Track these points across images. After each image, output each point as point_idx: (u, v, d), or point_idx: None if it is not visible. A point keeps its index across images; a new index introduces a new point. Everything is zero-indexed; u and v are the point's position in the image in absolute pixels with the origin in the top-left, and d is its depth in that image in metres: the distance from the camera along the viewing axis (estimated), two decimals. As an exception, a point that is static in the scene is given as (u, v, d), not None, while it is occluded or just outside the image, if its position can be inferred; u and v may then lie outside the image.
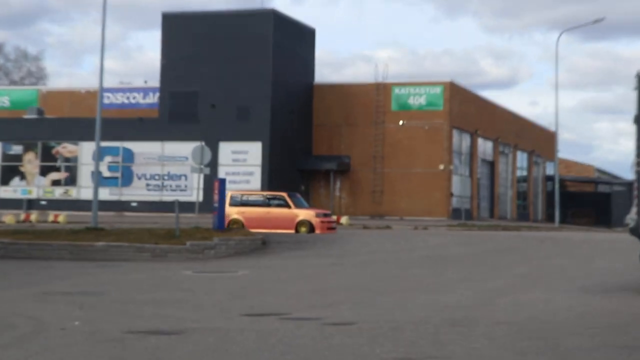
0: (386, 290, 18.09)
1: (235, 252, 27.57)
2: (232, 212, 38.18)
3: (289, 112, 57.05)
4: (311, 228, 37.90)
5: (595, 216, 77.62)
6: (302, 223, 38.07)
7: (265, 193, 43.98)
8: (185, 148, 51.26)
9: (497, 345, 10.80)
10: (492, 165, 68.62)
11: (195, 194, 44.15)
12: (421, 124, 58.61)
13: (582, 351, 10.39)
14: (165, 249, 26.44)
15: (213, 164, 43.77)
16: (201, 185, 37.84)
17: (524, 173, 77.21)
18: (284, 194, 40.59)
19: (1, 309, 14.23)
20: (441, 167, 58.11)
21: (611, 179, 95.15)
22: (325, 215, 40.25)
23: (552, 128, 67.55)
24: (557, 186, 61.26)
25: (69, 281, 20.01)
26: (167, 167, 55.65)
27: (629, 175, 69.48)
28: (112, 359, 9.89)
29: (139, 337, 11.39)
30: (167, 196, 53.24)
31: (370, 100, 59.67)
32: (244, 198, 40.28)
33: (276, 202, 39.69)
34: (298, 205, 39.67)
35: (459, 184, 60.73)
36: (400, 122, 59.00)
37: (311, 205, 53.98)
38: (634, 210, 18.26)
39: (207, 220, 33.92)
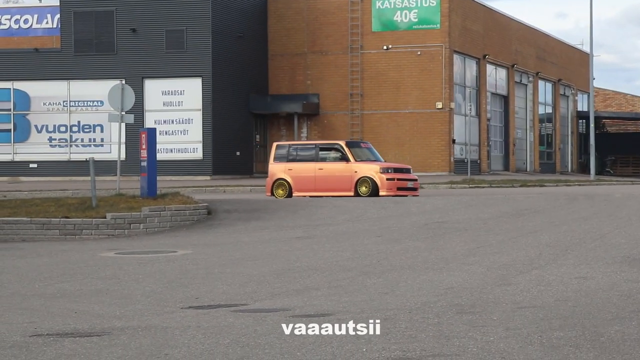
0: (372, 269, 18.17)
1: (172, 226, 27.64)
2: (278, 171, 38.15)
3: (236, 38, 56.94)
4: (374, 188, 36.81)
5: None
6: (362, 182, 37.00)
7: (317, 142, 43.55)
8: (100, 89, 51.20)
9: (520, 337, 10.88)
10: (506, 100, 68.93)
11: (115, 151, 44.01)
12: (412, 49, 58.71)
13: (631, 342, 10.49)
14: (79, 223, 26.41)
15: (138, 110, 43.63)
16: (123, 139, 37.77)
17: (549, 110, 77.58)
18: (341, 142, 39.83)
19: None
20: (439, 105, 58.31)
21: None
22: (397, 170, 39.02)
23: (586, 48, 67.92)
24: (592, 125, 61.66)
25: None
26: (75, 116, 55.45)
27: None
28: None
29: (49, 342, 11.35)
30: (78, 154, 53.07)
31: (344, 18, 59.65)
32: (293, 150, 39.56)
33: (331, 154, 38.75)
34: (360, 158, 38.51)
35: (462, 128, 60.96)
36: (385, 47, 59.06)
37: (260, 164, 54.24)
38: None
39: (133, 184, 33.86)
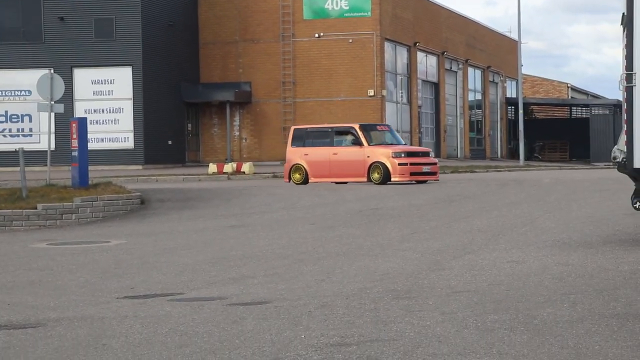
0: (308, 257, 18.27)
1: (105, 216, 27.58)
2: (295, 156, 37.41)
3: (166, 26, 56.82)
4: (386, 174, 35.27)
5: (570, 149, 78.93)
6: (374, 167, 35.51)
7: (333, 126, 41.66)
8: (28, 78, 50.89)
9: (455, 321, 10.99)
10: (436, 87, 69.35)
11: (45, 141, 43.77)
12: (344, 36, 58.85)
13: (563, 324, 10.63)
14: (8, 214, 26.31)
15: (67, 99, 43.37)
16: (52, 129, 37.56)
17: (478, 97, 78.10)
18: (355, 125, 38.40)
19: None
20: (370, 92, 58.52)
21: (590, 100, 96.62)
22: (412, 154, 37.22)
23: (514, 35, 68.40)
24: (520, 112, 62.24)
25: None
26: (3, 106, 55.15)
27: (613, 94, 70.11)
28: None
29: (-12, 331, 11.41)
30: (6, 144, 52.73)
31: (275, 5, 59.66)
32: (310, 134, 38.63)
33: (346, 138, 37.40)
34: (375, 142, 36.99)
35: (394, 115, 61.22)
36: (316, 35, 59.17)
37: (192, 154, 54.15)
38: (622, 139, 18.50)
39: (62, 174, 33.74)
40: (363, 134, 36.36)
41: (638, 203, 18.28)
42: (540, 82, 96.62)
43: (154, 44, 55.42)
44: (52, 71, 34.75)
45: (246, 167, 48.33)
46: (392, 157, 35.10)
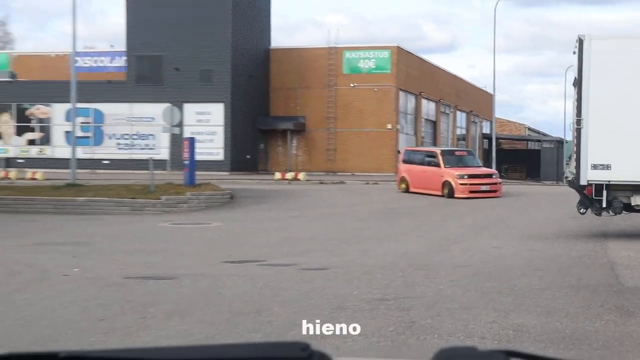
0: (350, 239, 18.30)
1: (206, 206, 27.80)
2: (402, 170, 35.99)
3: (248, 76, 57.00)
4: (451, 190, 32.83)
5: (526, 171, 78.43)
6: (445, 184, 33.32)
7: (425, 149, 40.15)
8: (153, 109, 51.33)
9: (460, 286, 11.16)
10: (434, 124, 69.01)
11: (162, 152, 44.12)
12: (370, 86, 58.74)
13: (535, 290, 10.82)
14: (142, 203, 26.64)
15: (180, 124, 43.71)
16: (168, 145, 37.97)
17: (463, 132, 77.67)
18: (437, 150, 36.70)
19: (3, 258, 14.37)
20: (389, 126, 58.36)
21: (540, 137, 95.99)
22: (474, 176, 33.78)
23: (489, 90, 68.24)
24: (494, 144, 61.71)
25: (56, 233, 20.07)
26: (135, 127, 55.44)
27: (557, 133, 68.92)
28: (122, 300, 10.06)
29: (138, 282, 11.62)
30: (137, 154, 53.07)
31: (323, 64, 59.67)
32: (411, 155, 37.15)
33: (432, 160, 35.11)
34: (450, 164, 34.18)
35: (405, 142, 61.10)
36: (352, 85, 59.08)
37: (263, 165, 54.35)
38: (572, 164, 18.65)
39: (176, 176, 34.08)
40: (441, 157, 34.51)
41: (582, 209, 18.32)
42: (506, 123, 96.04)
43: (239, 88, 55.59)
44: (171, 105, 35.00)
45: (301, 175, 48.41)
46: (456, 177, 32.88)
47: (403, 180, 35.56)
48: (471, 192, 32.33)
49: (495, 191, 33.18)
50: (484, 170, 35.95)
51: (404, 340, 7.79)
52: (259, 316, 8.91)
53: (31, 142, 57.71)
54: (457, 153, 37.35)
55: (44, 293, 10.64)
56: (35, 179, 42.22)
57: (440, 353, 1.45)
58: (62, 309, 9.49)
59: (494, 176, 34.86)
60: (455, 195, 32.12)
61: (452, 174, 33.06)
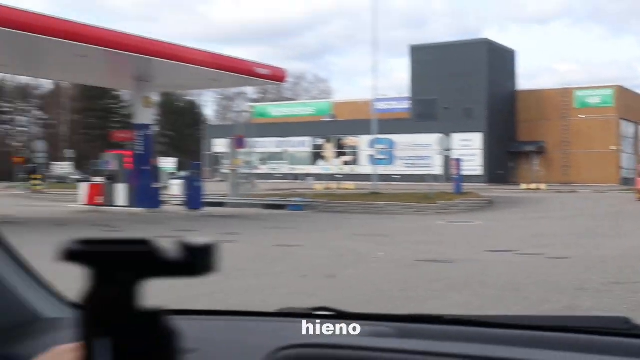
0: (585, 235, 17.38)
1: (470, 209, 27.39)
2: (639, 182, 33.44)
3: (500, 112, 55.99)
4: None
5: None
6: None
7: None
8: (429, 138, 51.53)
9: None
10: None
11: (436, 169, 44.10)
12: (597, 117, 55.81)
13: None
14: (424, 206, 26.60)
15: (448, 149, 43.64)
16: (440, 163, 37.94)
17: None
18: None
19: (333, 244, 14.86)
20: (612, 148, 55.13)
21: None
22: None
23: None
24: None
25: (365, 227, 20.39)
26: (417, 152, 55.95)
27: None
28: (415, 277, 10.15)
29: (425, 263, 11.67)
30: (418, 171, 53.48)
31: (558, 100, 57.46)
32: None
33: None
34: None
35: (625, 160, 57.44)
36: (581, 116, 56.43)
37: (512, 178, 52.84)
38: None
39: (447, 187, 33.85)
40: None
41: None
42: None
43: (493, 121, 54.69)
44: (443, 135, 34.97)
45: (542, 186, 46.83)
46: None
47: (638, 190, 32.53)
48: None
49: None
50: None
51: (637, 316, 7.33)
52: (518, 292, 8.71)
53: (345, 163, 59.83)
54: None
55: (361, 269, 10.98)
56: (348, 189, 43.53)
57: None
58: (374, 281, 9.75)
59: None
60: None
61: None
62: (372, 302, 8.10)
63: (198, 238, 0.55)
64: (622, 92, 57.67)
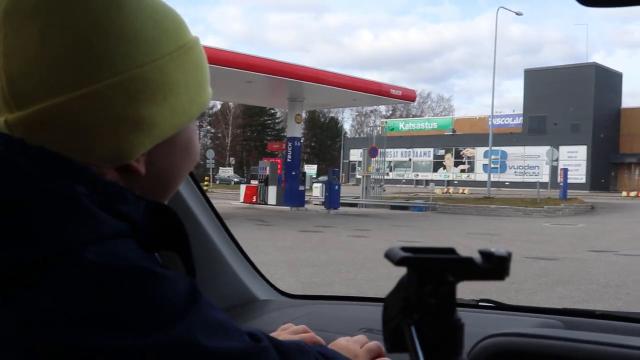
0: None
1: (574, 213, 26.19)
2: None
3: (604, 127, 53.18)
4: None
5: None
6: None
7: None
8: (539, 150, 49.62)
9: None
10: None
11: (544, 177, 42.28)
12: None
13: None
14: (531, 210, 25.66)
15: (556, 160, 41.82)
16: (548, 172, 36.36)
17: None
18: None
19: (450, 241, 14.55)
20: None
21: None
22: None
23: None
24: None
25: (478, 227, 19.76)
26: (527, 162, 54.02)
27: None
28: (525, 272, 9.63)
29: (532, 260, 11.21)
30: (527, 179, 51.61)
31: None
32: None
33: None
34: None
35: None
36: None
37: (613, 186, 49.88)
38: None
39: (553, 193, 32.38)
40: None
41: None
42: None
43: (597, 135, 51.93)
44: (551, 147, 33.48)
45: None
46: None
47: None
48: None
49: None
50: None
51: None
52: (619, 289, 8.26)
53: (462, 171, 58.65)
54: None
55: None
56: (464, 193, 42.73)
57: None
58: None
59: None
60: None
61: None
62: (485, 293, 7.92)
63: (499, 249, 0.58)
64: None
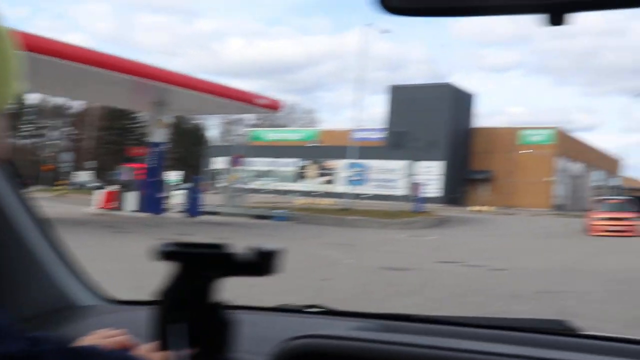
0: (521, 251, 17.37)
1: (427, 226, 27.28)
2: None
3: (458, 144, 56.39)
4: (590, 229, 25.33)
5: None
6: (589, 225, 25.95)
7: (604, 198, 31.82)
8: (397, 164, 51.62)
9: (597, 286, 10.16)
10: (579, 178, 64.61)
11: (401, 190, 44.08)
12: (537, 153, 56.32)
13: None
14: (387, 222, 26.41)
15: (413, 174, 43.66)
16: (405, 186, 37.95)
17: (600, 183, 72.07)
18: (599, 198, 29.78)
19: (309, 251, 14.66)
20: (548, 178, 55.57)
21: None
22: (609, 219, 25.06)
23: (619, 156, 63.17)
24: (621, 192, 57.13)
25: (337, 237, 20.08)
26: (386, 175, 55.99)
27: None
28: (378, 281, 10.11)
29: (385, 270, 11.60)
30: (385, 191, 53.44)
31: (506, 138, 57.99)
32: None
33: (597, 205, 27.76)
34: (606, 208, 26.35)
35: (558, 190, 57.72)
36: (525, 151, 56.88)
37: (465, 201, 53.00)
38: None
39: (409, 206, 33.82)
40: (599, 204, 27.75)
41: None
42: (632, 180, 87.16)
43: (451, 152, 54.99)
44: (409, 162, 34.94)
45: (489, 208, 47.04)
46: (593, 219, 25.61)
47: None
48: (605, 230, 24.52)
49: (626, 231, 24.51)
50: (621, 214, 25.59)
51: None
52: (462, 297, 8.71)
53: (325, 182, 59.79)
54: (612, 201, 28.45)
55: (333, 273, 10.91)
56: (326, 204, 43.38)
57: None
58: (343, 284, 9.69)
59: (629, 219, 25.30)
60: (592, 234, 24.69)
61: (593, 217, 25.84)
62: (340, 302, 8.06)
63: (268, 244, 0.57)
64: (559, 133, 58.29)
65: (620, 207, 26.53)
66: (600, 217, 25.51)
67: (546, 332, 1.34)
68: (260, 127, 78.45)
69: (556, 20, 0.73)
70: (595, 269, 13.41)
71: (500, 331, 1.34)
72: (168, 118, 27.52)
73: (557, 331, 1.35)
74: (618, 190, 64.21)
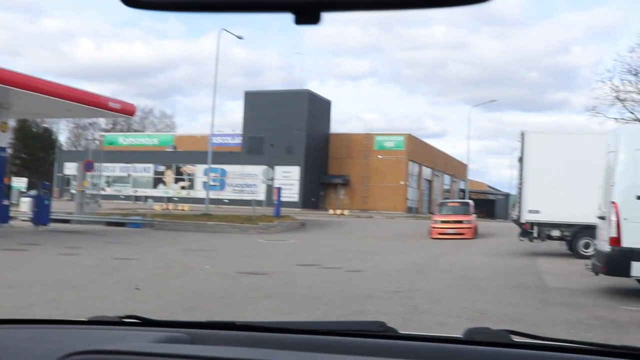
0: (376, 252, 18.00)
1: (287, 230, 27.66)
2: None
3: (315, 150, 57.28)
4: (429, 232, 25.52)
5: (486, 213, 76.89)
6: (429, 228, 26.04)
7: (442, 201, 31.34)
8: (256, 169, 51.60)
9: (445, 284, 10.95)
10: (430, 182, 68.38)
11: (260, 195, 44.16)
12: (391, 158, 58.52)
13: (492, 288, 10.58)
14: (247, 226, 26.46)
15: (271, 179, 43.84)
16: (264, 191, 38.02)
17: (448, 187, 76.83)
18: (438, 202, 28.93)
19: (165, 258, 14.43)
20: (401, 182, 57.96)
21: (495, 192, 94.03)
22: (446, 222, 25.22)
23: (465, 161, 67.48)
24: (467, 195, 60.97)
25: (196, 244, 19.90)
26: (245, 180, 55.84)
27: (507, 189, 66.12)
28: (235, 286, 10.01)
29: (244, 275, 11.55)
30: (245, 196, 53.30)
31: (362, 143, 59.59)
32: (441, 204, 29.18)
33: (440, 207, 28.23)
34: (440, 212, 26.73)
35: (411, 193, 60.67)
36: (379, 156, 58.94)
37: (322, 205, 54.10)
38: (516, 209, 18.50)
39: (268, 211, 33.97)
40: (437, 207, 28.46)
41: (521, 238, 18.17)
42: (474, 183, 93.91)
43: (309, 157, 55.83)
44: (267, 167, 35.11)
45: (345, 212, 48.28)
46: (432, 223, 25.68)
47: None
48: (440, 233, 24.79)
49: (461, 234, 24.93)
50: (457, 217, 25.78)
51: (410, 317, 7.67)
52: (319, 299, 8.83)
53: (183, 188, 58.52)
54: (449, 204, 28.97)
55: (188, 280, 10.67)
56: (184, 209, 42.65)
57: (467, 331, 1.44)
58: (200, 290, 9.50)
59: (464, 222, 25.53)
60: (430, 237, 24.85)
61: (432, 221, 26.20)
62: (195, 309, 7.88)
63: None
64: (411, 139, 61.10)
65: (457, 210, 26.97)
66: (439, 220, 25.64)
67: (365, 336, 1.35)
68: (115, 131, 75.39)
69: (301, 19, 0.73)
70: (441, 269, 14.21)
71: (321, 336, 1.34)
72: (9, 121, 25.66)
73: (377, 333, 1.37)
74: (464, 193, 68.43)
